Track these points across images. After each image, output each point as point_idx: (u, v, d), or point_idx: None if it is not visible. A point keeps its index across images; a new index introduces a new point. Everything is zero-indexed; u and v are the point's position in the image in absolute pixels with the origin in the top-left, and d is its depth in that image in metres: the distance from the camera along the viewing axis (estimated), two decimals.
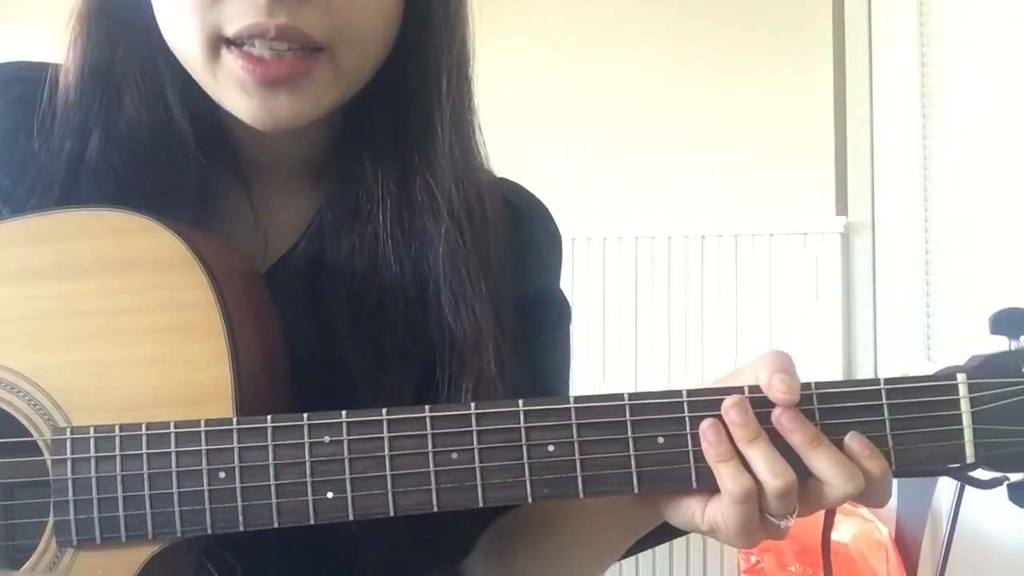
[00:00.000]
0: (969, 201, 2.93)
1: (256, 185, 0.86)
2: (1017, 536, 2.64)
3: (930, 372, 0.71)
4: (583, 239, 3.07)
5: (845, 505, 2.48)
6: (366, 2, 0.75)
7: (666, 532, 0.77)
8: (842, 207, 3.04)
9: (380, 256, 0.81)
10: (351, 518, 0.69)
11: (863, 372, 3.00)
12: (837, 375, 2.94)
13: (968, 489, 1.98)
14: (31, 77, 0.83)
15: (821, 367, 2.93)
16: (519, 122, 3.03)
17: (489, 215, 0.84)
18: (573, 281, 3.03)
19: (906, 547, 2.44)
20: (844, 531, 2.50)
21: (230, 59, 0.73)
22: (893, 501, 2.56)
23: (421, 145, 0.82)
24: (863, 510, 2.55)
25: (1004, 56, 2.90)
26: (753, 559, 2.59)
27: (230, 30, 0.72)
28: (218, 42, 0.73)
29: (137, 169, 0.79)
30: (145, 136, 0.80)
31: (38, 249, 0.73)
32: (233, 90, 0.75)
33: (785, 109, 3.05)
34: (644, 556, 2.91)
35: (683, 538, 2.89)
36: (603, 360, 3.04)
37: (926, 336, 2.96)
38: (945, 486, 2.33)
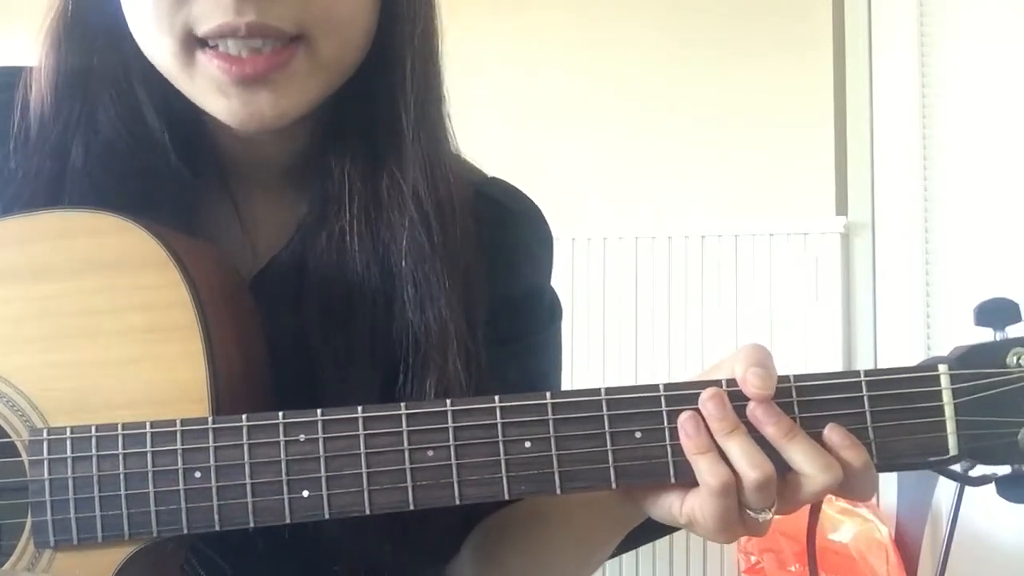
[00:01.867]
0: (969, 201, 2.92)
1: (240, 191, 0.85)
2: (1017, 536, 2.62)
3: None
4: (583, 239, 3.06)
5: (845, 505, 2.49)
6: None
7: (656, 529, 0.77)
8: (842, 207, 3.03)
9: (348, 253, 0.81)
10: (327, 516, 0.68)
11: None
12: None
13: (968, 489, 1.97)
14: (8, 83, 0.83)
15: (821, 367, 2.90)
16: (519, 121, 3.03)
17: (458, 207, 0.83)
18: (573, 281, 3.02)
19: (906, 547, 2.43)
20: (844, 531, 2.49)
21: (205, 60, 0.73)
22: (893, 501, 2.55)
23: (387, 138, 0.81)
24: (863, 510, 2.54)
25: (1004, 56, 2.89)
26: (753, 559, 2.58)
27: (200, 31, 0.72)
28: (191, 42, 0.73)
29: (119, 183, 0.79)
30: (124, 150, 0.80)
31: (13, 250, 0.72)
32: (211, 92, 0.74)
33: (785, 109, 3.05)
34: (643, 556, 2.90)
35: (682, 538, 2.89)
36: (603, 360, 3.03)
37: (926, 336, 2.95)
38: (945, 486, 2.31)
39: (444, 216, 0.81)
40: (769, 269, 2.98)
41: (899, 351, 2.93)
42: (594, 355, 3.02)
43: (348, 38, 0.77)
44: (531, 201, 0.95)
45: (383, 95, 0.81)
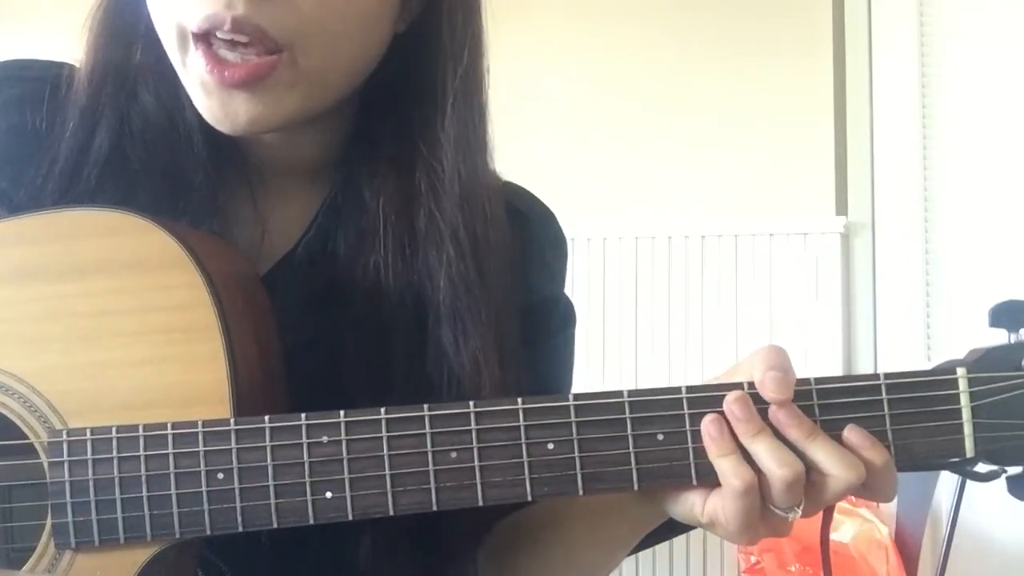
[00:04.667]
0: (969, 201, 2.93)
1: (261, 183, 0.85)
2: (1017, 536, 2.63)
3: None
4: (583, 239, 3.06)
5: (847, 505, 2.49)
6: (335, 6, 0.73)
7: (674, 527, 0.77)
8: (842, 207, 3.04)
9: (383, 287, 0.81)
10: (350, 518, 0.68)
11: (863, 371, 2.99)
12: (837, 375, 2.92)
13: (968, 489, 1.98)
14: (33, 76, 0.84)
15: (821, 367, 2.92)
16: (519, 121, 3.02)
17: (494, 241, 0.83)
18: (573, 281, 3.00)
19: (906, 547, 2.43)
20: (844, 531, 2.49)
21: (196, 57, 0.73)
22: (892, 501, 2.55)
23: (427, 177, 0.81)
24: (863, 510, 2.55)
25: (1004, 56, 2.90)
26: (753, 559, 2.59)
27: (192, 23, 0.72)
28: (185, 37, 0.73)
29: (145, 158, 0.80)
30: (156, 126, 0.81)
31: (33, 250, 0.72)
32: (197, 89, 0.75)
33: (785, 109, 3.05)
34: (644, 556, 2.90)
35: (683, 538, 2.90)
36: (603, 360, 3.04)
37: (926, 336, 2.96)
38: (945, 486, 2.32)
39: (480, 253, 0.81)
40: (769, 269, 2.99)
41: (899, 351, 2.94)
42: (594, 355, 3.02)
43: (336, 56, 0.76)
44: (546, 207, 0.96)
45: (421, 131, 0.82)
